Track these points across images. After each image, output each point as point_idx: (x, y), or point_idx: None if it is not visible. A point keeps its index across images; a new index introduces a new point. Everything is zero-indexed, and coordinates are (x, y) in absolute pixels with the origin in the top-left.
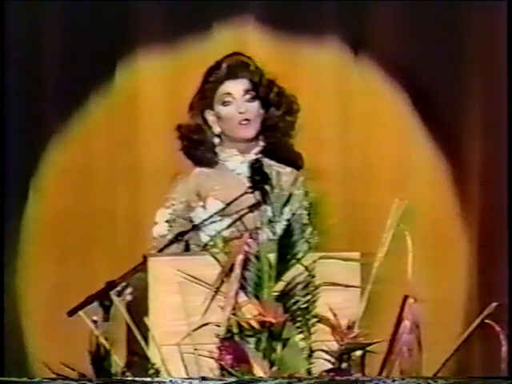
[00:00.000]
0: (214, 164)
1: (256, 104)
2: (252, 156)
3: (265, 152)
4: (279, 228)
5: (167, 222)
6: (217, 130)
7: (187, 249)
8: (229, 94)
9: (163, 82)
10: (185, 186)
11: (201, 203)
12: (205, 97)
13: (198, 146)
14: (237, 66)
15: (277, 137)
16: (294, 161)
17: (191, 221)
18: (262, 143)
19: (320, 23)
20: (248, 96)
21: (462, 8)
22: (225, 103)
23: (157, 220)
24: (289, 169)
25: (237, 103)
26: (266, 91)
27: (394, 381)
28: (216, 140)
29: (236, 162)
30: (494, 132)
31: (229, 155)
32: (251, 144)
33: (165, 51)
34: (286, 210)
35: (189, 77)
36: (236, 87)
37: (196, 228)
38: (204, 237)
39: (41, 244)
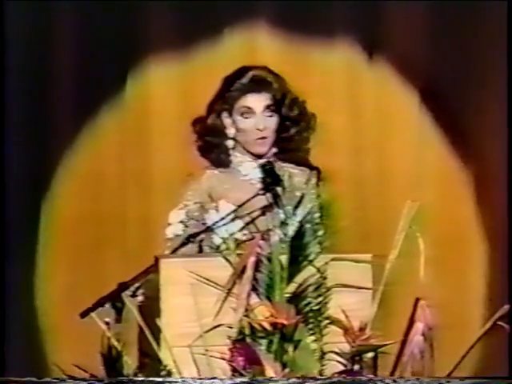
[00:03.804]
0: (228, 165)
1: (275, 119)
2: (264, 161)
3: (276, 156)
4: (291, 230)
5: (181, 222)
6: (232, 133)
7: (200, 250)
8: (249, 108)
9: (175, 86)
10: (198, 187)
11: (214, 205)
12: (225, 103)
13: (213, 147)
14: (261, 80)
15: (290, 147)
16: (306, 164)
17: (204, 223)
18: (274, 150)
19: (332, 26)
20: (268, 111)
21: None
22: (244, 115)
23: (170, 221)
24: (301, 168)
25: (256, 118)
26: (287, 111)
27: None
28: (230, 142)
29: (248, 168)
30: (503, 132)
31: (241, 160)
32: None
33: (176, 57)
34: (298, 211)
35: (200, 81)
36: (257, 102)
37: (208, 230)
38: (217, 238)
39: (53, 246)
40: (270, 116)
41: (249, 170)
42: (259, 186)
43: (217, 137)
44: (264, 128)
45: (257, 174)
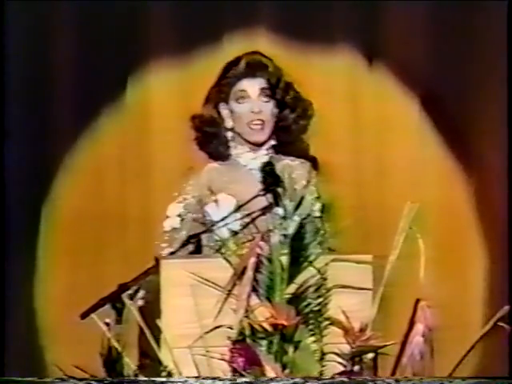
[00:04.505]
0: (227, 158)
1: (271, 104)
2: (263, 151)
3: (276, 148)
4: (291, 230)
5: (179, 215)
6: (229, 124)
7: (198, 248)
8: (244, 91)
9: (175, 91)
10: (197, 180)
11: (213, 198)
12: (221, 91)
13: (211, 139)
14: (255, 65)
15: (288, 138)
16: (306, 156)
17: (204, 216)
18: (273, 142)
19: (332, 32)
20: (264, 96)
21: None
22: (239, 100)
23: (168, 214)
24: (300, 160)
25: (252, 102)
26: (282, 94)
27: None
28: (229, 134)
29: (247, 158)
30: (503, 133)
31: (240, 151)
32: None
33: (176, 63)
34: (299, 212)
35: (201, 87)
36: (252, 86)
37: (209, 230)
38: (216, 238)
39: (54, 247)
40: (266, 101)
41: (248, 161)
42: (259, 176)
43: (215, 128)
44: (259, 111)
45: (256, 165)
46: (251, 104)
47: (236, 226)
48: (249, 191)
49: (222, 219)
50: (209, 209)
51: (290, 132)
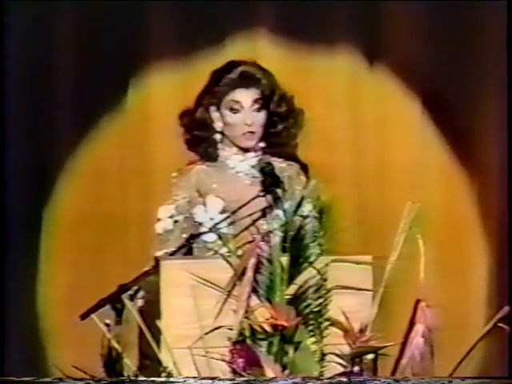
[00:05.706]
0: (215, 159)
1: (262, 114)
2: (252, 154)
3: (264, 150)
4: (291, 231)
5: (171, 217)
6: (219, 126)
7: (190, 248)
8: (238, 102)
9: (176, 94)
10: (186, 182)
11: (201, 200)
12: (213, 97)
13: (200, 140)
14: (250, 75)
15: (277, 142)
16: (294, 158)
17: (193, 218)
18: (262, 144)
19: (333, 33)
20: (256, 106)
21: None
22: (232, 110)
23: (160, 216)
24: (288, 163)
25: (244, 113)
26: (275, 107)
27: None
28: (218, 136)
29: (235, 161)
30: (504, 134)
31: (229, 154)
32: None
33: (178, 65)
34: (298, 213)
35: (201, 87)
36: (246, 97)
37: (210, 230)
38: (208, 237)
39: (54, 248)
40: (258, 111)
41: (236, 163)
42: (246, 179)
43: (205, 130)
44: (252, 123)
45: (244, 167)
46: (244, 115)
47: (235, 228)
48: (237, 193)
49: (222, 220)
50: (197, 212)
51: (279, 137)
